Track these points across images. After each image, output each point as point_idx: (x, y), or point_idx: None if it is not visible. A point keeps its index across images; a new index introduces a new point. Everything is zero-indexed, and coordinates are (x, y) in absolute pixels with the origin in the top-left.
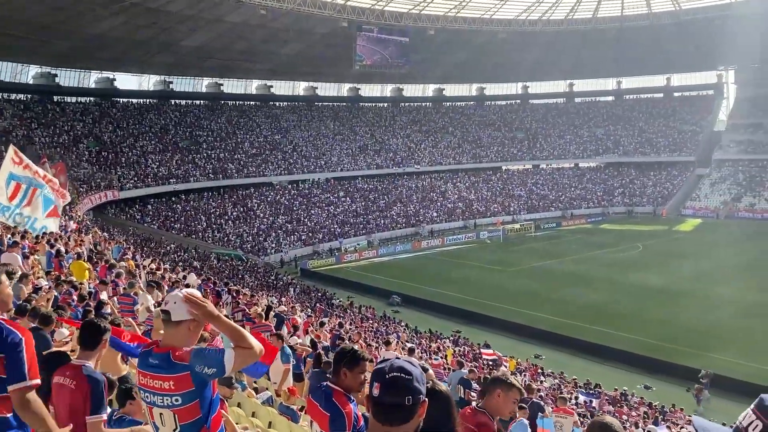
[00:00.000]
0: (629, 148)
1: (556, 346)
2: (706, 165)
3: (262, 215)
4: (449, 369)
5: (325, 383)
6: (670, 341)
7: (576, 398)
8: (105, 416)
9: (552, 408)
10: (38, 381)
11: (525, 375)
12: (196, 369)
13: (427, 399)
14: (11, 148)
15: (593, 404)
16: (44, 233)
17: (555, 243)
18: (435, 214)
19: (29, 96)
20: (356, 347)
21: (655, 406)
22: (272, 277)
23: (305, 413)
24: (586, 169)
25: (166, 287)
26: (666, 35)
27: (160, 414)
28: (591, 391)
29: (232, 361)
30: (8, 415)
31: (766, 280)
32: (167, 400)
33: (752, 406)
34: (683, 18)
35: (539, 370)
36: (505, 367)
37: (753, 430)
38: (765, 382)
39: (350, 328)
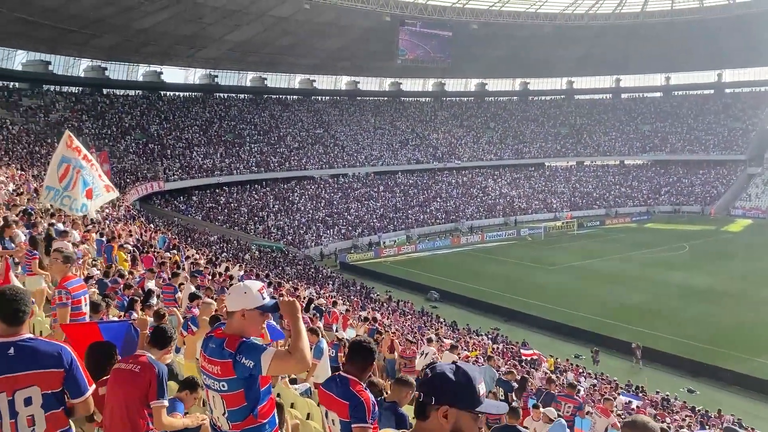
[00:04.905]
0: (677, 146)
1: (596, 346)
2: (758, 164)
3: (302, 208)
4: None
5: (338, 373)
6: (715, 344)
7: (615, 398)
8: (167, 403)
9: (591, 408)
10: (94, 386)
11: (566, 374)
12: (237, 358)
13: (451, 408)
14: (66, 133)
15: (633, 406)
16: (92, 222)
17: (597, 241)
18: (475, 210)
19: (80, 89)
20: (373, 346)
21: (699, 410)
22: (312, 270)
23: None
24: (631, 166)
25: (208, 278)
26: (718, 29)
27: (213, 397)
28: (632, 393)
29: (269, 360)
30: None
31: None
32: (216, 384)
33: None
34: (736, 12)
35: (580, 370)
36: (545, 365)
37: None
38: None
39: (387, 323)
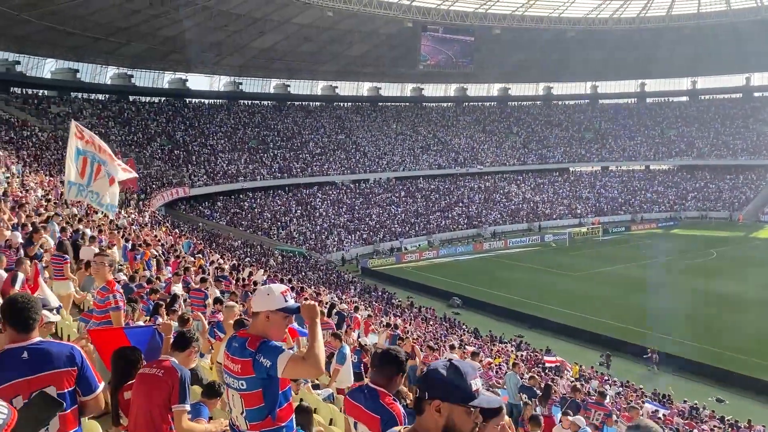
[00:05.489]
0: (704, 151)
1: (620, 354)
2: None
3: (324, 213)
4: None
5: (365, 384)
6: (744, 352)
7: (642, 407)
8: (188, 407)
9: (617, 416)
10: (104, 383)
11: (591, 382)
12: (256, 357)
13: (443, 402)
14: (73, 124)
15: (660, 414)
16: (118, 227)
17: (623, 247)
18: (498, 216)
19: (107, 96)
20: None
21: (728, 420)
22: (334, 275)
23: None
24: (657, 171)
25: (233, 282)
26: (746, 32)
27: (232, 395)
28: (659, 402)
29: (285, 362)
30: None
31: None
32: (236, 383)
33: None
34: (765, 14)
35: (605, 378)
36: (569, 372)
37: None
38: None
39: (410, 329)
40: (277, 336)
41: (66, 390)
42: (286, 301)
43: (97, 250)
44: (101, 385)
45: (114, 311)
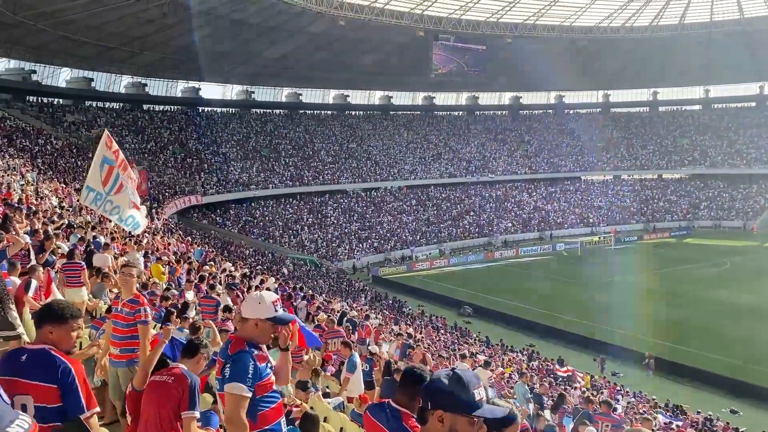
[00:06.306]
0: (717, 159)
1: (634, 364)
2: None
3: (335, 222)
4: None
5: (387, 402)
6: (759, 363)
7: (655, 418)
8: (197, 414)
9: (630, 426)
10: (98, 409)
11: (603, 392)
12: (226, 362)
13: (446, 412)
14: (105, 133)
15: (673, 426)
16: (132, 235)
17: (635, 257)
18: (509, 224)
19: (121, 104)
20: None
21: None
22: (345, 283)
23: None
24: (670, 180)
25: (244, 290)
26: (760, 41)
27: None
28: (672, 413)
29: (230, 391)
30: None
31: None
32: (219, 383)
33: None
34: None
35: (618, 388)
36: (581, 382)
37: None
38: None
39: (420, 337)
40: (262, 341)
41: (44, 405)
42: (276, 311)
43: (109, 257)
44: (88, 412)
45: (142, 324)
